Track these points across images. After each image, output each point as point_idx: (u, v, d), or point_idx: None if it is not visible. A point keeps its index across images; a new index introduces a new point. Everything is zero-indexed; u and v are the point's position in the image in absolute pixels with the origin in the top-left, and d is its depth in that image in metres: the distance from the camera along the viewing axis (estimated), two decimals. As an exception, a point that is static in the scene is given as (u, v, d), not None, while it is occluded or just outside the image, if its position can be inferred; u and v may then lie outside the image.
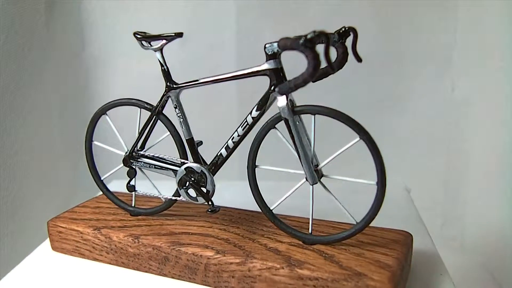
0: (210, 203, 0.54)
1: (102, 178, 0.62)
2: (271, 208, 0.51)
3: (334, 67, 0.40)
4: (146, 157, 0.57)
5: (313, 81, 0.47)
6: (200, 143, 0.56)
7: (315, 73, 0.40)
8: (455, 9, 0.98)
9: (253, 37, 1.01)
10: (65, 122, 1.04)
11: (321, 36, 0.39)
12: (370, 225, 0.48)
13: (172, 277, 0.52)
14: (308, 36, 0.39)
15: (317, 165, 0.49)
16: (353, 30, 0.47)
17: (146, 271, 0.53)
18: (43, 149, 0.96)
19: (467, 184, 1.04)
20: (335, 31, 0.46)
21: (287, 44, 0.41)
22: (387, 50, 1.03)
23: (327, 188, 0.49)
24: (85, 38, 1.06)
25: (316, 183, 0.48)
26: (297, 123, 0.47)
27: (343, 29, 0.47)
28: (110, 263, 0.56)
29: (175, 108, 0.54)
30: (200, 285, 0.50)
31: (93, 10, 1.04)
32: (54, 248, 0.60)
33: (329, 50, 0.38)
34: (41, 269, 0.57)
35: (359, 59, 0.47)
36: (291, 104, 0.46)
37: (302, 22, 1.00)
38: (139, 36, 0.54)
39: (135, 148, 0.58)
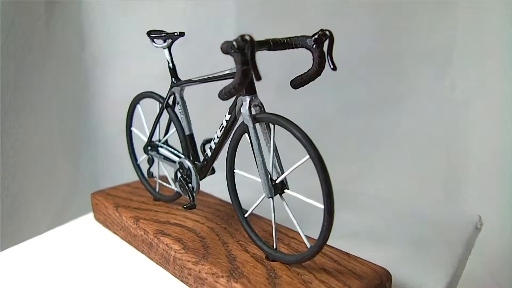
0: (191, 198, 0.55)
1: (138, 162, 0.66)
2: (245, 216, 0.49)
3: (259, 76, 0.36)
4: (159, 147, 0.61)
5: (295, 88, 0.45)
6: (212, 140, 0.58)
7: (244, 80, 0.38)
8: (455, 9, 0.98)
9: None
10: (65, 122, 1.04)
11: (245, 41, 0.36)
12: (353, 253, 0.47)
13: (156, 263, 0.54)
14: (234, 42, 0.37)
15: (277, 178, 0.45)
16: (329, 34, 0.42)
17: (141, 252, 0.57)
18: (43, 149, 0.96)
19: (467, 184, 1.04)
20: (312, 34, 0.42)
21: (223, 47, 0.39)
22: (387, 50, 1.03)
23: (287, 204, 0.45)
24: (85, 38, 1.06)
25: (271, 197, 0.45)
26: (264, 130, 0.45)
27: (320, 32, 0.42)
28: (122, 239, 0.60)
29: (177, 104, 0.56)
30: (171, 275, 0.51)
31: (93, 10, 1.04)
32: (95, 217, 0.67)
33: (254, 56, 0.36)
34: (75, 232, 0.64)
35: (333, 67, 0.42)
36: (259, 110, 0.44)
37: (302, 22, 1.00)
38: (154, 35, 0.56)
39: (152, 138, 0.62)
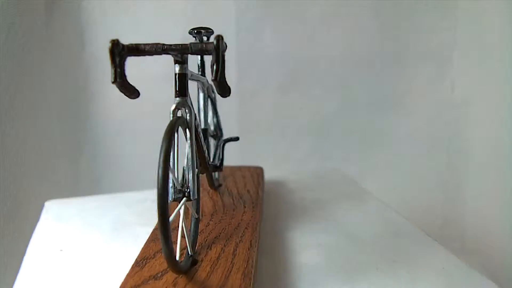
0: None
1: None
2: (196, 217, 0.47)
3: (114, 78, 0.37)
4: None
5: (223, 96, 0.41)
6: (236, 138, 0.59)
7: (115, 84, 0.39)
8: (455, 9, 0.98)
9: (253, 37, 1.01)
10: (64, 122, 1.04)
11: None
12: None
13: None
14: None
15: (184, 186, 0.43)
16: (216, 41, 0.38)
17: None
18: (43, 149, 0.96)
19: (467, 184, 1.04)
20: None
21: None
22: (387, 50, 1.03)
23: (181, 212, 0.43)
24: (85, 38, 1.06)
25: (172, 199, 0.42)
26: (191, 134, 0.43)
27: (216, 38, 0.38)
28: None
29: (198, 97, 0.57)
30: None
31: (93, 10, 1.04)
32: None
33: (113, 59, 0.38)
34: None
35: (213, 77, 0.38)
36: (188, 113, 0.42)
37: (302, 22, 1.00)
38: (203, 31, 0.54)
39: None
